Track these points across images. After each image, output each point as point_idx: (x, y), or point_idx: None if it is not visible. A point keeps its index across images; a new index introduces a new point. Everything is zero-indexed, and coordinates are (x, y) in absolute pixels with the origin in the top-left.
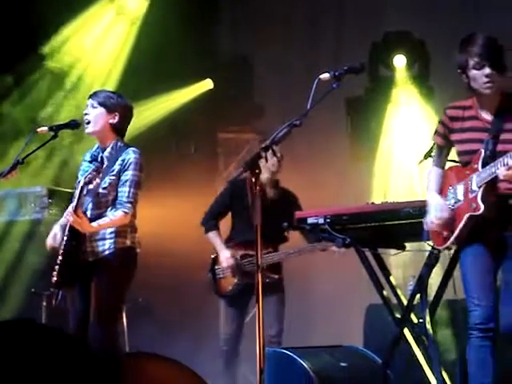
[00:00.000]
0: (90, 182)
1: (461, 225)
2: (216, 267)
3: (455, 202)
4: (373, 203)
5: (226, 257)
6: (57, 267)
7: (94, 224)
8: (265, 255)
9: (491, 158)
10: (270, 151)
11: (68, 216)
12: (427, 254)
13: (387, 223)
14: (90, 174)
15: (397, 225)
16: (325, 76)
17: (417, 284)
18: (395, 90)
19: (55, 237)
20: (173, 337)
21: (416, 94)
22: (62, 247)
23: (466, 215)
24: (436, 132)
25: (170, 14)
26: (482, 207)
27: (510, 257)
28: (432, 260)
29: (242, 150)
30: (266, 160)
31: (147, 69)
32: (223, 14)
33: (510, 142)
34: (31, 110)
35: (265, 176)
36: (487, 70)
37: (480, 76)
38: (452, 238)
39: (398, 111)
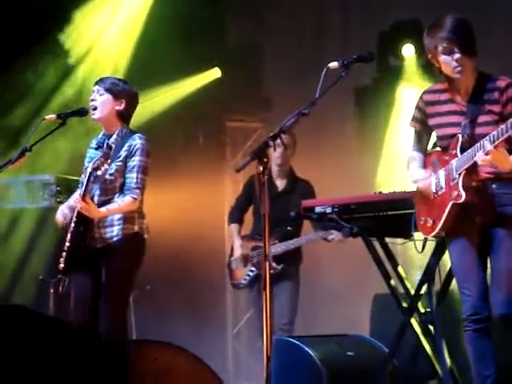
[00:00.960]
0: (98, 167)
1: (445, 214)
2: (231, 259)
3: (439, 190)
4: (380, 192)
5: (236, 246)
6: (64, 254)
7: (103, 209)
8: (271, 247)
9: (470, 142)
10: (279, 140)
11: (76, 202)
12: (435, 243)
13: (394, 212)
14: (98, 159)
15: (404, 214)
16: (333, 64)
17: (424, 273)
18: (404, 80)
19: (64, 214)
20: (177, 323)
21: (425, 83)
22: (70, 233)
23: (449, 204)
24: (413, 118)
25: (178, 2)
26: (464, 195)
27: (496, 247)
28: (439, 249)
29: (250, 139)
30: (275, 149)
31: (155, 57)
32: (231, 2)
33: (488, 124)
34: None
35: (272, 167)
36: (456, 55)
37: (450, 61)
38: (438, 228)
39: (406, 100)
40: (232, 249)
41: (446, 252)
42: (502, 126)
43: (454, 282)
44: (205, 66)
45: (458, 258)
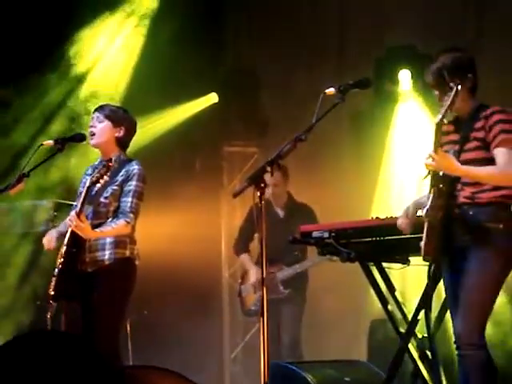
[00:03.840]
0: (97, 181)
1: (424, 234)
2: (241, 286)
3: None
4: (377, 218)
5: (252, 273)
6: (53, 279)
7: (97, 230)
8: (278, 272)
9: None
10: (276, 166)
11: (70, 220)
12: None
13: (392, 237)
14: (97, 173)
15: (401, 239)
16: (330, 91)
17: (421, 299)
18: (400, 105)
19: (51, 238)
20: (174, 348)
21: (421, 108)
22: (61, 256)
23: (426, 223)
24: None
25: (176, 29)
26: (425, 211)
27: (467, 267)
28: (436, 274)
29: (247, 164)
30: (272, 174)
31: (152, 83)
32: (228, 29)
33: (471, 150)
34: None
35: (269, 193)
36: (435, 93)
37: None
38: (422, 250)
39: (403, 126)
40: (242, 277)
41: None
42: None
43: None
44: (202, 91)
45: (446, 282)
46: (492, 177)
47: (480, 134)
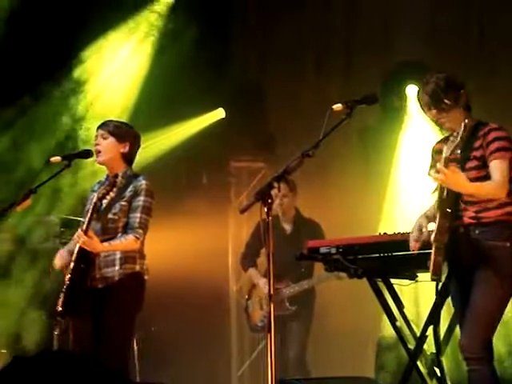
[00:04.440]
0: (103, 197)
1: (432, 255)
2: (248, 302)
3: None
4: (385, 233)
5: (262, 285)
6: (62, 295)
7: (105, 244)
8: (284, 288)
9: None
10: (282, 181)
11: (78, 237)
12: (440, 284)
13: (399, 253)
14: (103, 189)
15: (409, 255)
16: (337, 106)
17: (430, 315)
18: (408, 120)
19: (61, 257)
20: (181, 365)
21: (429, 123)
22: (69, 272)
23: (432, 245)
24: (429, 166)
25: (183, 44)
26: (434, 235)
27: (474, 287)
28: (445, 291)
29: (254, 179)
30: (279, 190)
31: (159, 99)
32: (235, 44)
33: (472, 169)
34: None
35: (277, 205)
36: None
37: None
38: (430, 269)
39: (410, 141)
40: (249, 292)
41: None
42: None
43: None
44: (209, 106)
45: (453, 298)
46: (496, 189)
47: (479, 153)
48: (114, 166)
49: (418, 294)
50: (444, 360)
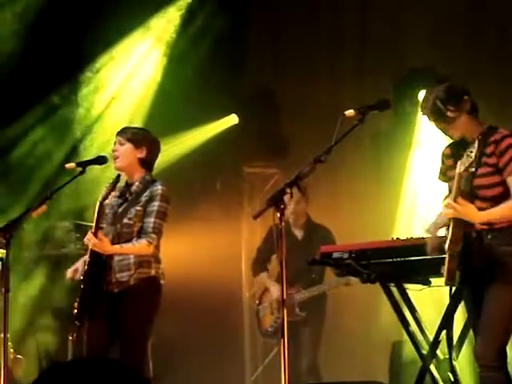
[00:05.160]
0: (105, 197)
1: (445, 263)
2: (259, 307)
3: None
4: (398, 238)
5: (272, 290)
6: (77, 299)
7: (116, 246)
8: (295, 294)
9: (469, 194)
10: (295, 187)
11: (88, 239)
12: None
13: (412, 258)
14: (106, 189)
15: (422, 260)
16: (350, 112)
17: (443, 320)
18: (420, 125)
19: (76, 270)
20: (195, 370)
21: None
22: (83, 276)
23: (446, 253)
24: (439, 170)
25: (197, 49)
26: (447, 244)
27: (486, 293)
28: (457, 295)
29: (267, 184)
30: (291, 195)
31: (173, 104)
32: (249, 50)
33: (484, 176)
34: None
35: (289, 218)
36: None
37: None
38: (444, 276)
39: (423, 146)
40: (260, 297)
41: None
42: None
43: None
44: (222, 112)
45: (466, 304)
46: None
47: (492, 160)
48: (131, 171)
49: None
50: (457, 365)
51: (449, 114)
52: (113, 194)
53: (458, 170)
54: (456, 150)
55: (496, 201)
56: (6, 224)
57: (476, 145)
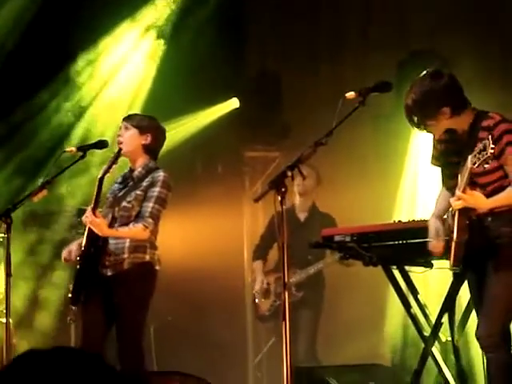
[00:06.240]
0: (106, 172)
1: (452, 250)
2: (254, 292)
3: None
4: (399, 221)
5: (257, 281)
6: (73, 283)
7: (113, 229)
8: (291, 275)
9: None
10: (296, 170)
11: (86, 216)
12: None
13: (414, 241)
14: (105, 166)
15: (424, 242)
16: (350, 94)
17: (445, 302)
18: None
19: (70, 252)
20: (198, 354)
21: None
22: (80, 256)
23: (454, 243)
24: (431, 156)
25: (197, 33)
26: (455, 234)
27: (488, 276)
28: (459, 277)
29: (269, 168)
30: (293, 178)
31: (174, 89)
32: (250, 34)
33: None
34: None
35: (295, 200)
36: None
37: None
38: (450, 262)
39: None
40: (253, 284)
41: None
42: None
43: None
44: (223, 96)
45: (470, 284)
46: None
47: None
48: (135, 157)
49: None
50: (460, 347)
51: (428, 123)
52: (116, 180)
53: (469, 165)
54: (448, 136)
55: (493, 186)
56: (7, 209)
57: (489, 140)
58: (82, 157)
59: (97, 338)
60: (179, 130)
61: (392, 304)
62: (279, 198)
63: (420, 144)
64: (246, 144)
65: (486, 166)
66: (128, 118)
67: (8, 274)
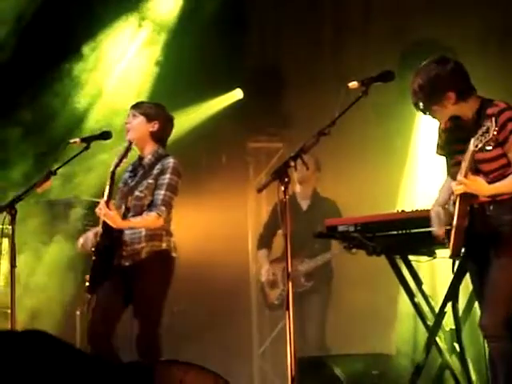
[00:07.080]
0: (118, 164)
1: (452, 238)
2: (263, 281)
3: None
4: (403, 211)
5: (264, 272)
6: (90, 272)
7: (127, 220)
8: (299, 265)
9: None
10: (299, 160)
11: (100, 209)
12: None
13: (417, 230)
14: (117, 158)
15: (427, 232)
16: (353, 84)
17: (448, 291)
18: None
19: (87, 239)
20: (202, 344)
21: None
22: (95, 248)
23: (453, 229)
24: (436, 145)
25: (199, 24)
26: (455, 220)
27: (489, 264)
28: (463, 267)
29: (272, 158)
30: (296, 169)
31: (177, 80)
32: (252, 24)
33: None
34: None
35: (296, 189)
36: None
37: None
38: (450, 250)
39: (428, 118)
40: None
41: None
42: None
43: None
44: (227, 87)
45: (471, 275)
46: None
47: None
48: (143, 144)
49: (434, 270)
50: (463, 335)
51: (433, 108)
52: (126, 169)
53: (471, 147)
54: (452, 124)
55: (497, 173)
56: (12, 200)
57: (493, 123)
58: (86, 148)
59: (109, 315)
60: (183, 121)
61: (403, 295)
62: (282, 188)
63: (422, 133)
64: (249, 135)
65: (488, 148)
66: (135, 106)
67: (13, 265)
